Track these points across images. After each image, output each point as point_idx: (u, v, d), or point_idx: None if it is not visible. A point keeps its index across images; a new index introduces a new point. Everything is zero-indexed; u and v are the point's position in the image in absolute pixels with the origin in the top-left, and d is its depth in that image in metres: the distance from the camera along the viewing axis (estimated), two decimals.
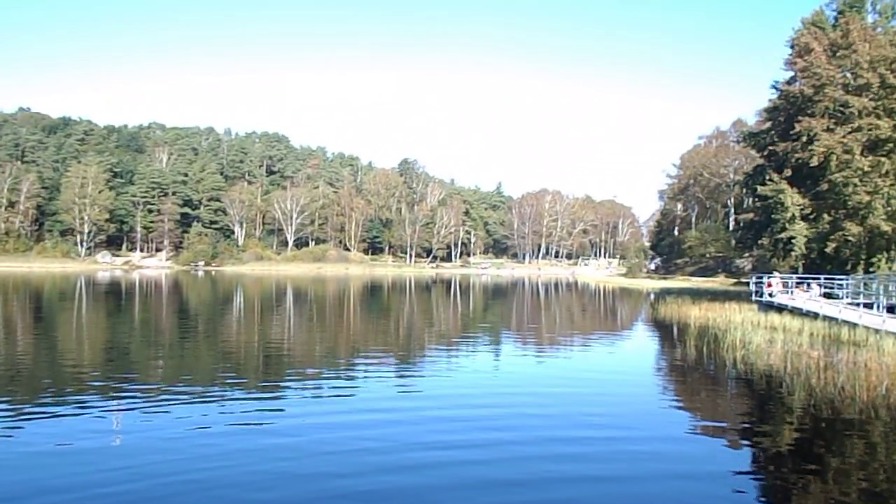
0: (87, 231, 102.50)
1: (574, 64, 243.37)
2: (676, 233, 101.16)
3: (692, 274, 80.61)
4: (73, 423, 9.86)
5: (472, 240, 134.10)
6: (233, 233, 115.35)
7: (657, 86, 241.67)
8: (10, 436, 9.06)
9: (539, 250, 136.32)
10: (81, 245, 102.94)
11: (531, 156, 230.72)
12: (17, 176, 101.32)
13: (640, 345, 23.24)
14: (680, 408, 12.89)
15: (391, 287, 63.81)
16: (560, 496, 7.53)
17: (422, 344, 21.85)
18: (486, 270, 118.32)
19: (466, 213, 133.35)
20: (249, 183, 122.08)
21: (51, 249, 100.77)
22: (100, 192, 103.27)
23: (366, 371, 15.41)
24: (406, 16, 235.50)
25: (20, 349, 18.97)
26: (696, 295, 39.94)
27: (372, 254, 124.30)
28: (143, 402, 11.39)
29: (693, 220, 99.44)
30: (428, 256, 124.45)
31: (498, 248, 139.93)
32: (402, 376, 15.00)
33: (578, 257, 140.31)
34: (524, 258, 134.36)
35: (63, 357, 17.52)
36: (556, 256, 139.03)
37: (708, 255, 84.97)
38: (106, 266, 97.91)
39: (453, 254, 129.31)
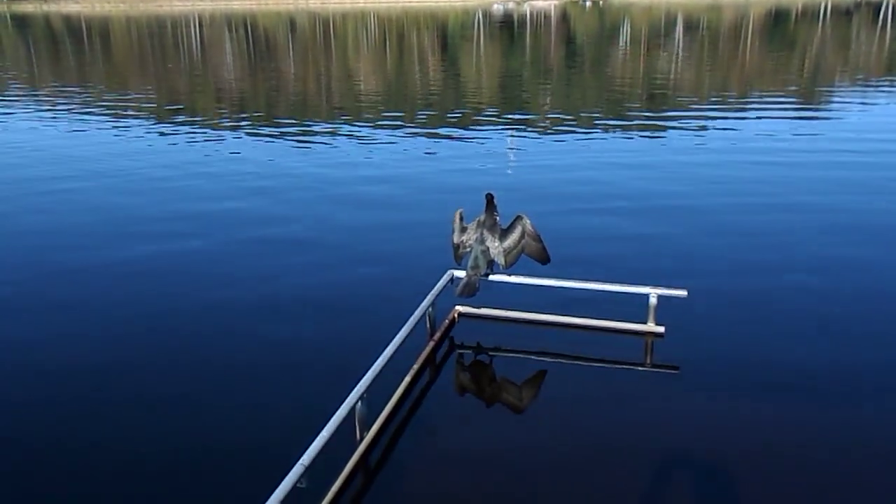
0: None
1: None
2: None
3: None
4: (473, 145, 11.08)
5: None
6: None
7: None
8: (429, 151, 10.60)
9: None
10: None
11: None
12: None
13: None
14: None
15: (800, 14, 55.36)
16: None
17: (830, 83, 19.03)
18: None
19: None
20: None
21: None
22: None
23: (760, 108, 14.15)
24: None
25: (431, 77, 21.50)
26: None
27: None
28: (532, 131, 12.24)
29: None
30: None
31: None
32: (802, 117, 13.46)
33: None
34: None
35: (465, 85, 19.41)
36: None
37: None
38: None
39: None
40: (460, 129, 12.36)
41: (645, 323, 4.47)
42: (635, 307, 4.52)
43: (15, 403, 3.97)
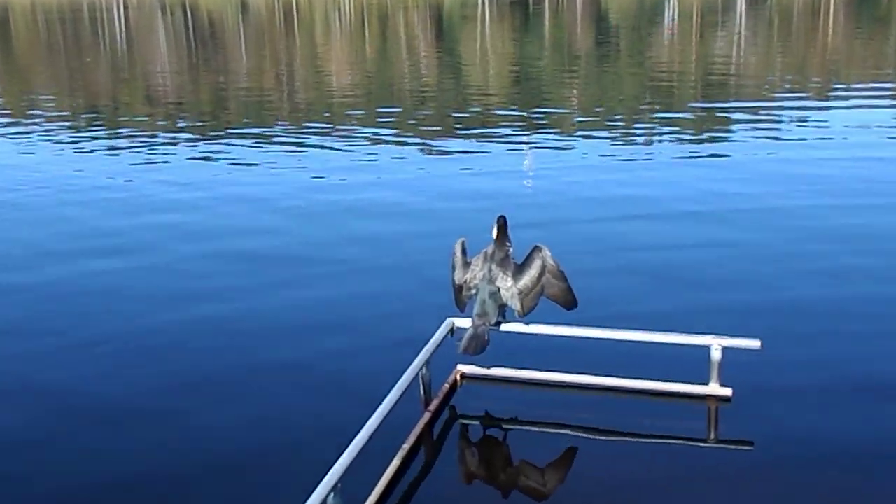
0: None
1: None
2: None
3: None
4: (480, 153, 11.12)
5: None
6: None
7: None
8: (421, 168, 10.66)
9: None
10: None
11: None
12: None
13: None
14: None
15: None
16: None
17: None
18: None
19: None
20: None
21: None
22: None
23: (848, 98, 14.26)
24: None
25: (425, 73, 21.70)
26: None
27: None
28: (555, 136, 12.30)
29: None
30: None
31: None
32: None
33: None
34: None
35: (468, 82, 19.58)
36: None
37: None
38: None
39: None
40: (463, 133, 12.43)
41: (706, 384, 4.43)
42: (693, 363, 4.48)
43: None
